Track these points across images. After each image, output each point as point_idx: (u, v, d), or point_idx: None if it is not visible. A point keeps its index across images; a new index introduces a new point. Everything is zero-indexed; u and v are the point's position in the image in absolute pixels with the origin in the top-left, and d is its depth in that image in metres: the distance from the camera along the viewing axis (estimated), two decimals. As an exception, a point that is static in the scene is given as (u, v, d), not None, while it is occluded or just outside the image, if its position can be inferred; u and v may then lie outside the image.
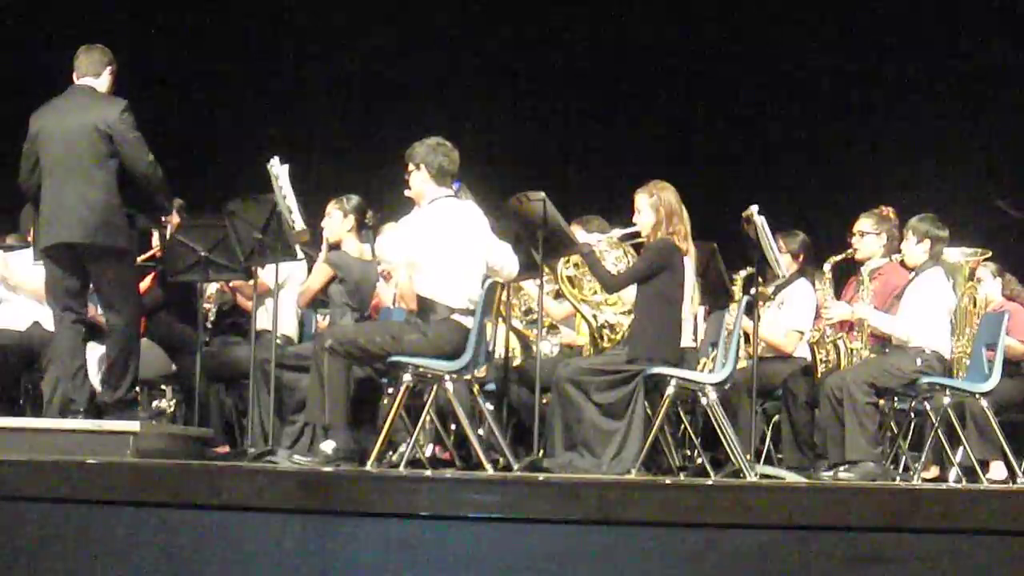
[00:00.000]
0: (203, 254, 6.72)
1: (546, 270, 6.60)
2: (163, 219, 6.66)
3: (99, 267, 6.14)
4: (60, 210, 6.09)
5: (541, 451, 6.26)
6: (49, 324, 6.56)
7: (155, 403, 7.76)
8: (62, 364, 6.21)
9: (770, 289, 7.23)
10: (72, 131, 6.11)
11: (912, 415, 7.16)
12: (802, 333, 7.16)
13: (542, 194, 6.29)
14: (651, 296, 6.28)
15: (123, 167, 6.12)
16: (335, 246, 6.96)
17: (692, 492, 4.82)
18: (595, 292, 6.71)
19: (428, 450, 6.95)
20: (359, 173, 9.49)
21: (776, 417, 7.63)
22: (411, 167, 6.21)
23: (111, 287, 6.17)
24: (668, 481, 5.74)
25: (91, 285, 6.28)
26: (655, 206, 6.36)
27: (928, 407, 6.75)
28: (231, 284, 7.23)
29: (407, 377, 5.96)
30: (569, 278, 6.75)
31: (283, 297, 6.85)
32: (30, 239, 6.66)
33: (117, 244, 6.12)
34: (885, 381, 6.53)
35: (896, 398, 6.80)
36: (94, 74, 6.26)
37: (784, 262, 6.88)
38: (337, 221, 6.97)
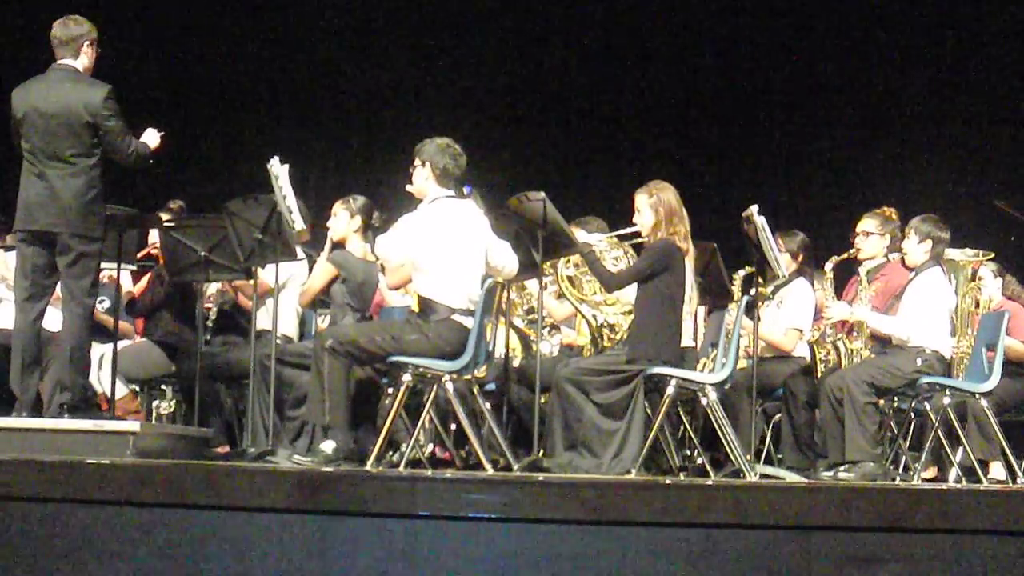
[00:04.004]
0: (203, 254, 6.72)
1: (549, 269, 6.60)
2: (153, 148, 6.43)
3: (69, 253, 6.11)
4: (42, 198, 6.07)
5: (541, 451, 6.26)
6: (50, 324, 6.55)
7: (155, 403, 7.77)
8: (18, 358, 6.14)
9: (769, 289, 7.23)
10: (53, 119, 6.09)
11: (912, 415, 7.16)
12: (801, 331, 7.16)
13: (542, 194, 6.29)
14: (651, 296, 6.28)
15: (105, 158, 6.14)
16: (338, 245, 6.96)
17: (692, 492, 4.82)
18: (595, 292, 6.71)
19: (428, 450, 6.95)
20: (360, 173, 9.50)
21: (776, 417, 7.63)
22: (417, 162, 6.22)
23: (77, 277, 6.13)
24: (668, 481, 5.73)
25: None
26: (655, 206, 6.36)
27: (928, 407, 6.75)
28: (233, 284, 7.23)
29: (407, 377, 5.97)
30: (569, 278, 6.75)
31: (283, 297, 6.84)
32: None
33: (91, 232, 6.11)
34: (885, 381, 6.53)
35: (896, 398, 6.80)
36: (72, 54, 6.23)
37: (784, 262, 6.88)
38: (343, 221, 6.96)
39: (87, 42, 6.25)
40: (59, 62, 6.24)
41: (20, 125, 6.17)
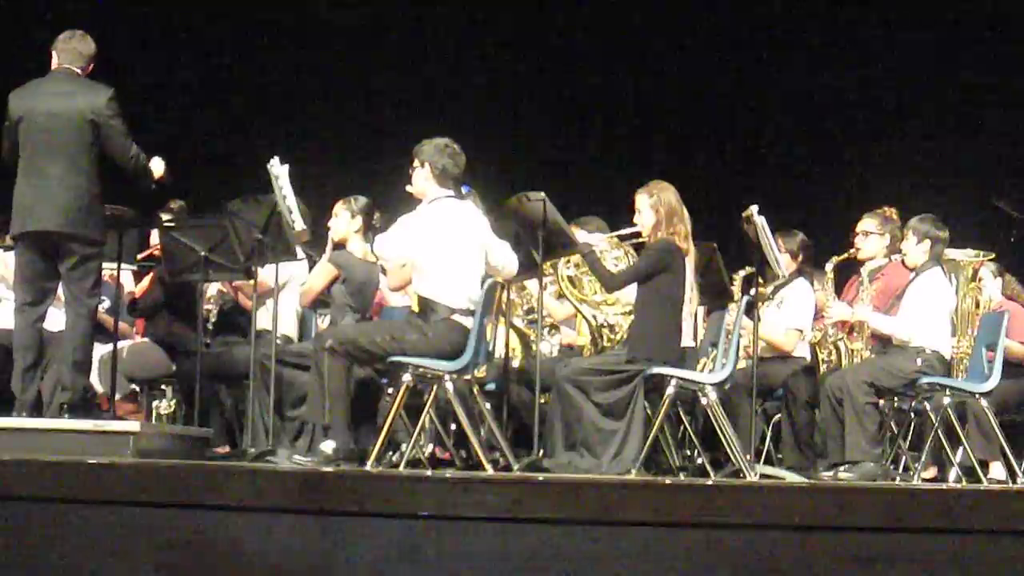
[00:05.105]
0: (203, 254, 6.72)
1: (549, 269, 6.59)
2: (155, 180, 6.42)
3: (70, 257, 6.10)
4: (41, 198, 6.06)
5: (541, 451, 6.26)
6: (51, 324, 6.55)
7: (155, 403, 7.77)
8: (18, 359, 6.14)
9: (769, 289, 7.23)
10: (57, 117, 6.08)
11: (912, 415, 7.15)
12: (801, 332, 7.17)
13: (542, 194, 6.29)
14: (651, 296, 6.29)
15: (106, 156, 6.13)
16: (339, 246, 6.96)
17: (692, 492, 4.82)
18: (595, 292, 6.71)
19: (428, 450, 6.95)
20: (360, 173, 9.49)
21: (776, 417, 7.63)
22: (416, 163, 6.22)
23: (79, 279, 6.13)
24: (668, 481, 5.74)
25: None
26: (655, 206, 6.37)
27: (928, 407, 6.75)
28: (233, 284, 7.23)
29: (407, 377, 5.97)
30: (569, 278, 6.75)
31: (283, 297, 6.84)
32: None
33: (92, 235, 6.10)
34: (885, 381, 6.53)
35: (896, 398, 6.80)
36: (79, 67, 6.24)
37: (784, 262, 6.88)
38: (344, 221, 6.95)
39: (93, 63, 6.27)
40: (63, 66, 6.24)
41: (17, 126, 6.16)
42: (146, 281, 7.51)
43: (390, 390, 6.47)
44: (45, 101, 6.12)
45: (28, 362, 6.13)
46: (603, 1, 10.42)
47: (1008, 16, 9.67)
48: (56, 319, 6.47)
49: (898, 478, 6.76)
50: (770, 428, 7.77)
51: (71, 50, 6.24)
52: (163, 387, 7.75)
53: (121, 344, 7.14)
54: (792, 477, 6.51)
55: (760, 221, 6.53)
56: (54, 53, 6.27)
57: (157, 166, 6.40)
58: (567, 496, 4.69)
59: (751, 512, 4.61)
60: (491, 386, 6.88)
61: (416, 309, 6.15)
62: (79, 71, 6.23)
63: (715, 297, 7.10)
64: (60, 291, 6.28)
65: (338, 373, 5.95)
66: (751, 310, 6.75)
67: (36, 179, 6.08)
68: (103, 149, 6.15)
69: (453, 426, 6.78)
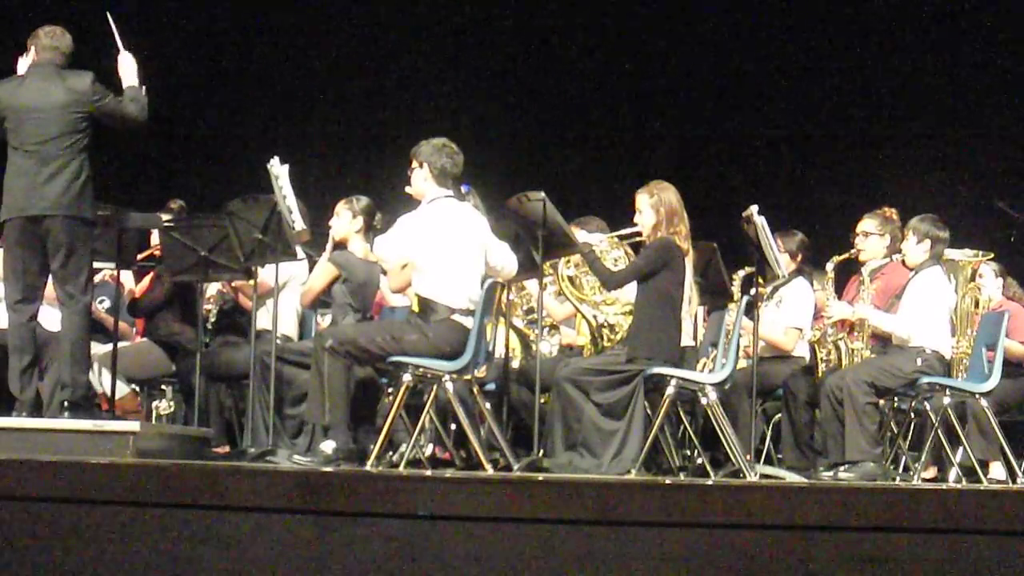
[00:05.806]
0: (203, 254, 6.72)
1: (549, 269, 6.60)
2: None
3: (59, 250, 6.08)
4: (30, 186, 6.06)
5: (541, 451, 6.26)
6: (49, 323, 6.55)
7: (155, 403, 7.77)
8: (16, 359, 6.15)
9: (768, 289, 7.23)
10: (45, 112, 6.10)
11: (912, 415, 7.16)
12: (801, 330, 7.17)
13: (542, 194, 6.29)
14: (651, 296, 6.29)
15: (94, 143, 6.14)
16: (340, 245, 6.96)
17: (692, 492, 4.82)
18: (595, 292, 6.71)
19: (428, 450, 6.95)
20: (360, 174, 9.50)
21: (776, 417, 7.63)
22: (414, 164, 6.22)
23: (73, 275, 6.12)
24: (668, 481, 5.74)
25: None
26: (656, 206, 6.37)
27: (928, 407, 6.75)
28: (233, 284, 7.23)
29: (407, 377, 5.97)
30: (569, 278, 6.75)
31: (283, 297, 6.84)
32: None
33: (82, 215, 6.10)
34: (885, 381, 6.53)
35: (896, 398, 6.80)
36: (59, 62, 6.25)
37: (783, 262, 6.88)
38: (345, 221, 6.95)
39: (71, 56, 6.29)
40: (43, 60, 6.24)
41: (3, 124, 6.16)
42: (146, 281, 7.51)
43: (390, 390, 6.47)
44: (30, 97, 6.14)
45: (25, 363, 6.13)
46: (603, 1, 10.42)
47: (1008, 16, 9.67)
48: (55, 319, 6.47)
49: (898, 478, 6.76)
50: (770, 428, 7.78)
51: (49, 46, 6.25)
52: (163, 387, 7.75)
53: (121, 344, 7.14)
54: (792, 477, 6.51)
55: (760, 221, 6.54)
56: (32, 48, 6.28)
57: (128, 63, 6.38)
58: (567, 496, 4.68)
59: (751, 512, 4.61)
60: (491, 386, 6.89)
61: (416, 309, 6.16)
62: (59, 65, 6.25)
63: (715, 297, 7.09)
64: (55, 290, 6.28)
65: (338, 373, 5.96)
66: (751, 310, 6.75)
67: (27, 169, 6.08)
68: (113, 125, 6.19)
69: (453, 426, 6.79)
